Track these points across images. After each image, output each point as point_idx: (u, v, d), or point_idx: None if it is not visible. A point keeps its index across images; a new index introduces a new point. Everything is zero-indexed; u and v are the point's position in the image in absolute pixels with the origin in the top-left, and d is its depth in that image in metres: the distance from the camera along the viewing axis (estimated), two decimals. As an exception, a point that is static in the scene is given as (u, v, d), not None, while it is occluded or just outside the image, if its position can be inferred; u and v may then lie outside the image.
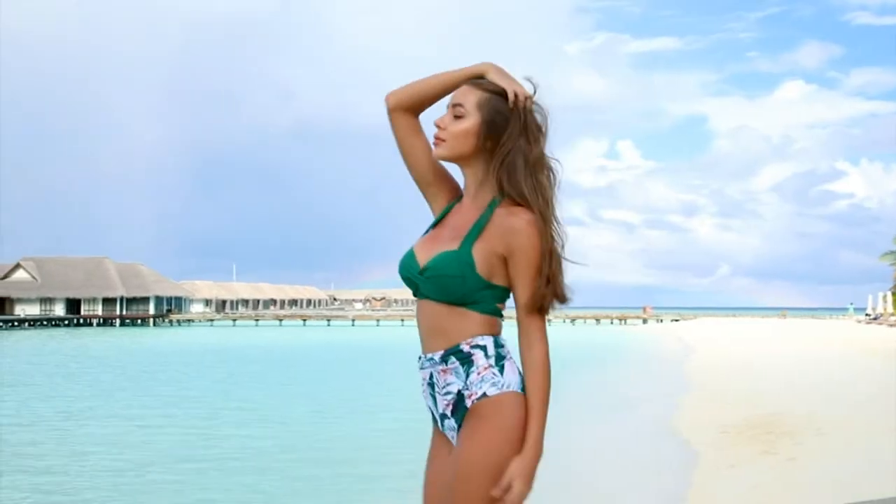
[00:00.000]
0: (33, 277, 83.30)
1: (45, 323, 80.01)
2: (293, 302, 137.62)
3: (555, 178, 2.13)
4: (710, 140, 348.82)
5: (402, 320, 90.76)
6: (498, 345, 2.08)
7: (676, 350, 37.37)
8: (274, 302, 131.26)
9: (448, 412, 2.09)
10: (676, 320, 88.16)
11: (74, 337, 58.50)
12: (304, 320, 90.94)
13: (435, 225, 2.22)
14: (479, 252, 2.06)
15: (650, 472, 10.78)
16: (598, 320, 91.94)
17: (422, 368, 2.15)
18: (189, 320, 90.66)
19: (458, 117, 2.13)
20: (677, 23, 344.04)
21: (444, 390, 2.09)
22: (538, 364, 2.06)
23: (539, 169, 2.10)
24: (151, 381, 24.25)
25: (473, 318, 2.07)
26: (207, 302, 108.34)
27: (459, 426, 2.07)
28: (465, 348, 2.06)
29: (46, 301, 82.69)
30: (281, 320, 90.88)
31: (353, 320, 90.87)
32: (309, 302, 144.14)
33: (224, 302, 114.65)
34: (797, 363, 24.41)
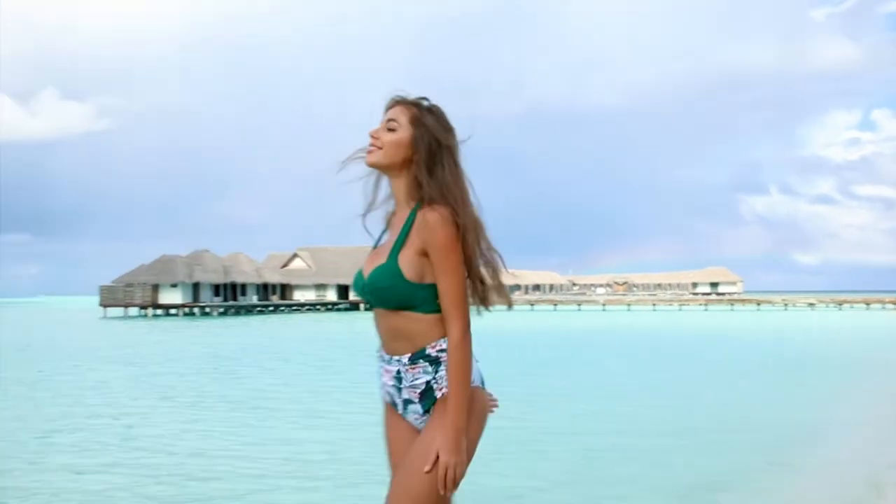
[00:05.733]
0: (308, 266, 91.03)
1: (319, 307, 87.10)
2: (536, 287, 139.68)
3: (467, 182, 2.38)
4: None
5: (654, 305, 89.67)
6: None
7: None
8: (518, 287, 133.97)
9: (415, 399, 2.35)
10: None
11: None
12: (555, 305, 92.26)
13: (379, 240, 2.50)
14: (404, 260, 2.29)
15: None
16: (867, 305, 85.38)
17: (388, 364, 2.40)
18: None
19: (391, 130, 2.37)
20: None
21: (412, 383, 2.34)
22: (449, 350, 2.27)
23: (457, 172, 2.36)
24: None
25: (426, 320, 2.30)
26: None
27: (426, 411, 2.36)
28: (432, 352, 2.31)
29: (320, 287, 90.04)
30: (532, 305, 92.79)
31: (604, 305, 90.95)
32: (551, 287, 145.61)
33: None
34: None
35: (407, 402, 2.37)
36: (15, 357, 27.81)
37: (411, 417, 2.40)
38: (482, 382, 2.39)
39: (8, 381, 20.10)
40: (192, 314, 73.27)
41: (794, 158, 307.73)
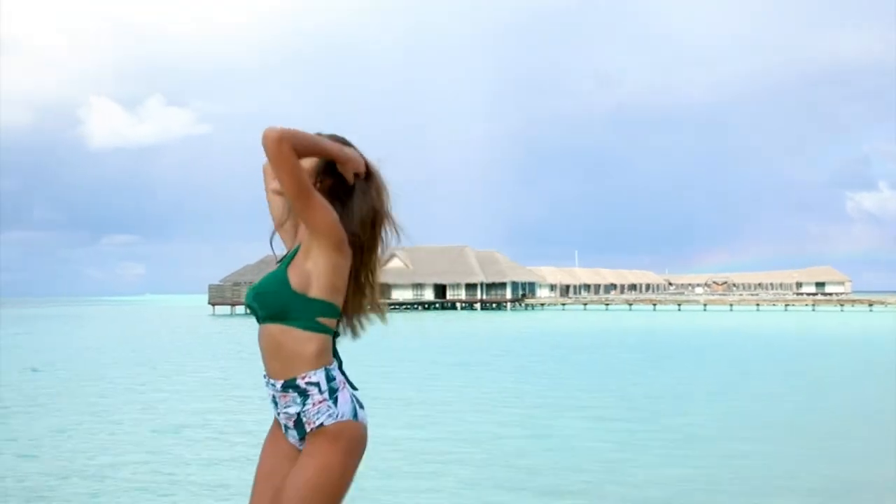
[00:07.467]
0: (406, 265, 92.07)
1: (416, 306, 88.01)
2: (632, 286, 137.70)
3: (374, 215, 2.44)
4: None
5: (758, 305, 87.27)
6: (329, 378, 2.30)
7: None
8: (614, 286, 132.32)
9: (290, 425, 2.35)
10: None
11: (497, 318, 63.09)
12: (654, 305, 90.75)
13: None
14: (293, 269, 2.32)
15: None
16: None
17: (266, 386, 2.41)
18: (542, 304, 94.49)
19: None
20: None
21: (284, 411, 2.34)
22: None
23: (359, 203, 2.41)
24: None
25: (301, 337, 2.29)
26: (552, 287, 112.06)
27: (301, 438, 2.34)
28: (301, 384, 2.29)
29: (417, 286, 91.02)
30: (630, 304, 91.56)
31: (705, 305, 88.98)
32: (647, 286, 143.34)
33: (567, 287, 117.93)
34: None
35: (286, 426, 2.39)
36: (163, 356, 29.10)
37: (291, 440, 2.41)
38: (355, 414, 2.33)
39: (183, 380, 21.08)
40: (294, 312, 74.97)
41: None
